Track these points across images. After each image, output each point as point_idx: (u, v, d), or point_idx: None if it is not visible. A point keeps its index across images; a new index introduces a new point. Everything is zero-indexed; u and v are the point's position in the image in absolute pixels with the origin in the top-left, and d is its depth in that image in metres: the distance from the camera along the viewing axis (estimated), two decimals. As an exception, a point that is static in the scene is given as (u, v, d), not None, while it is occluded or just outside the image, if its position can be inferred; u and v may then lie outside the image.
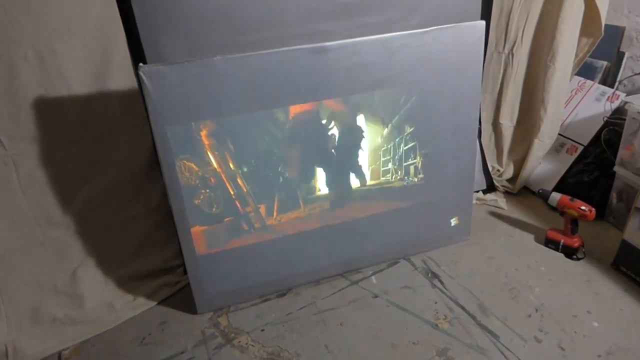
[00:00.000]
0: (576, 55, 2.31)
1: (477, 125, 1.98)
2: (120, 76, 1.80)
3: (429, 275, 2.00)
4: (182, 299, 1.95)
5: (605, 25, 2.23)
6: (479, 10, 2.26)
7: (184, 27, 1.80)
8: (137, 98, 1.79)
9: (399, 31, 1.69)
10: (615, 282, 1.88)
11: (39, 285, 1.84)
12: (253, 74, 1.56)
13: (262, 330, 1.79)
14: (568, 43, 2.20)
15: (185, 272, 1.83)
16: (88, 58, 1.72)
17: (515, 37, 2.32)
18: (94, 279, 1.93)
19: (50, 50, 1.65)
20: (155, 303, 1.95)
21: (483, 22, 1.78)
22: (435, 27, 1.72)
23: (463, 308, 1.81)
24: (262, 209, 1.80)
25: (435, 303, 1.85)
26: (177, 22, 1.78)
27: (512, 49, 2.34)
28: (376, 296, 1.90)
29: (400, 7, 2.09)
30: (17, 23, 1.57)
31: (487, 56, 2.36)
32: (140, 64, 1.45)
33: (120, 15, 1.72)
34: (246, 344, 1.73)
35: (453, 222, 2.11)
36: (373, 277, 2.00)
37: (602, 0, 2.11)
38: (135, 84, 1.80)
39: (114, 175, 1.91)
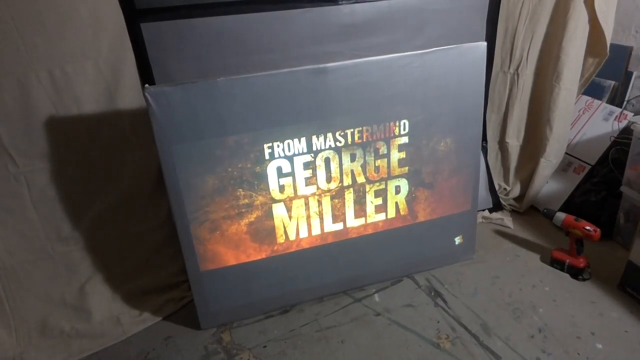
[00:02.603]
0: (582, 75, 2.31)
1: (480, 144, 1.98)
2: (129, 96, 1.86)
3: (432, 293, 1.99)
4: (186, 314, 1.97)
5: (613, 45, 2.24)
6: (484, 30, 2.29)
7: (191, 49, 1.87)
8: (145, 117, 1.84)
9: (404, 51, 1.72)
10: (621, 304, 1.85)
11: (48, 299, 1.88)
12: (255, 95, 1.59)
13: (264, 346, 1.80)
14: (573, 63, 2.21)
15: (190, 288, 1.86)
16: (99, 79, 1.78)
17: (520, 57, 2.34)
18: (101, 293, 1.97)
19: (63, 71, 1.71)
20: (160, 318, 1.97)
21: (484, 44, 1.80)
22: (437, 48, 1.74)
23: (465, 328, 1.80)
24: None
25: (438, 322, 1.84)
26: (184, 45, 1.85)
27: (517, 69, 2.36)
28: (378, 314, 1.90)
29: (405, 28, 2.13)
30: (32, 46, 1.64)
31: (492, 76, 2.38)
32: (146, 85, 1.50)
33: (130, 38, 1.79)
34: (248, 360, 1.75)
35: (457, 240, 2.11)
36: (376, 295, 2.01)
37: (607, 21, 2.12)
38: (144, 104, 1.85)
39: (123, 192, 1.96)
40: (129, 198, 1.97)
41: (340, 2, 1.97)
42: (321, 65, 1.62)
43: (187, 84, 1.53)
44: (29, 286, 1.86)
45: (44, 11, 1.62)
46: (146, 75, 1.86)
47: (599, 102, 2.47)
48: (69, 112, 1.77)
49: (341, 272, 2.00)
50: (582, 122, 2.49)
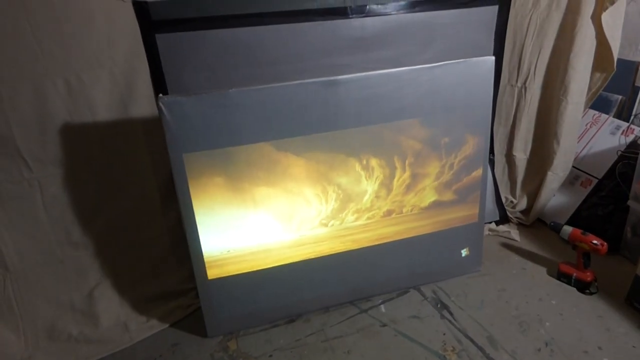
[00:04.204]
0: (589, 89, 2.33)
1: (487, 157, 1.99)
2: (143, 105, 1.89)
3: (439, 305, 1.99)
4: (194, 321, 1.98)
5: (620, 60, 2.26)
6: (492, 44, 2.31)
7: (205, 60, 1.90)
8: (157, 125, 1.87)
9: (412, 64, 1.74)
10: (628, 318, 1.84)
11: (57, 303, 1.90)
12: (267, 106, 1.62)
13: (270, 355, 1.80)
14: (580, 78, 2.23)
15: (197, 296, 1.87)
16: (113, 88, 1.82)
17: (528, 71, 2.36)
18: (110, 299, 1.99)
19: (78, 79, 1.75)
20: (168, 325, 1.99)
21: (493, 58, 1.82)
22: (445, 62, 1.76)
23: (472, 340, 1.80)
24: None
25: (444, 334, 1.84)
26: (198, 56, 1.88)
27: (525, 83, 2.38)
28: (384, 325, 1.91)
29: (414, 42, 2.16)
30: (50, 55, 1.68)
31: (500, 89, 2.40)
32: (160, 95, 1.53)
33: (145, 48, 1.82)
34: (254, 368, 1.76)
35: (464, 252, 2.12)
36: (382, 306, 2.01)
37: (614, 37, 2.14)
38: (156, 112, 1.88)
39: (133, 198, 1.99)
40: (139, 204, 1.99)
41: (350, 16, 2.00)
42: (332, 78, 1.65)
43: (200, 94, 1.56)
44: (38, 290, 1.88)
45: (62, 20, 1.66)
46: (159, 84, 1.89)
47: (606, 116, 2.48)
48: (83, 119, 1.80)
49: (348, 283, 2.00)
50: (589, 135, 2.50)
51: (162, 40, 1.83)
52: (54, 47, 1.68)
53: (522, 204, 2.56)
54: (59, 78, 1.72)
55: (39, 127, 1.75)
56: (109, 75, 1.79)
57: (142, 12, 1.77)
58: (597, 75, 2.31)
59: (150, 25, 1.80)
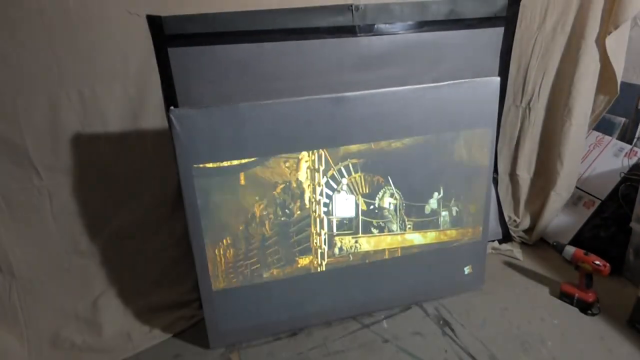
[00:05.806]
0: (593, 111, 2.36)
1: (491, 176, 2.01)
2: (153, 117, 1.93)
3: (441, 322, 2.00)
4: (196, 333, 1.99)
5: (624, 83, 2.28)
6: (497, 65, 2.35)
7: (215, 74, 1.94)
8: (167, 137, 1.90)
9: (419, 83, 1.78)
10: (630, 341, 1.84)
11: (61, 311, 1.92)
12: (275, 120, 1.65)
13: (272, 368, 1.81)
14: (584, 100, 2.26)
15: (201, 307, 1.88)
16: (125, 100, 1.86)
17: (532, 92, 2.39)
18: (114, 308, 2.00)
19: (91, 91, 1.79)
20: (170, 335, 1.99)
21: (498, 78, 1.85)
22: (452, 82, 1.79)
23: (473, 358, 1.80)
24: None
25: (446, 351, 1.84)
26: (209, 70, 1.92)
27: (529, 103, 2.41)
28: (386, 341, 1.91)
29: (422, 61, 2.19)
30: (64, 65, 1.72)
31: (504, 109, 2.43)
32: (171, 107, 1.56)
33: (158, 62, 1.86)
34: (255, 381, 1.76)
35: (467, 270, 2.12)
36: (384, 322, 2.01)
37: (618, 60, 2.18)
38: (166, 124, 1.92)
39: (141, 209, 2.01)
40: (146, 215, 2.02)
41: (358, 34, 2.04)
42: (339, 95, 1.68)
43: (210, 107, 1.59)
44: (43, 297, 1.89)
45: (79, 33, 1.70)
46: (170, 97, 1.92)
47: (610, 138, 2.50)
48: (94, 130, 1.84)
49: (350, 297, 2.01)
50: (592, 157, 2.51)
51: (175, 54, 1.87)
52: (69, 59, 1.72)
53: (525, 223, 2.57)
54: (73, 89, 1.76)
55: (51, 136, 1.79)
56: (122, 87, 1.83)
57: (155, 26, 1.81)
58: (601, 97, 2.33)
59: (164, 39, 1.84)
